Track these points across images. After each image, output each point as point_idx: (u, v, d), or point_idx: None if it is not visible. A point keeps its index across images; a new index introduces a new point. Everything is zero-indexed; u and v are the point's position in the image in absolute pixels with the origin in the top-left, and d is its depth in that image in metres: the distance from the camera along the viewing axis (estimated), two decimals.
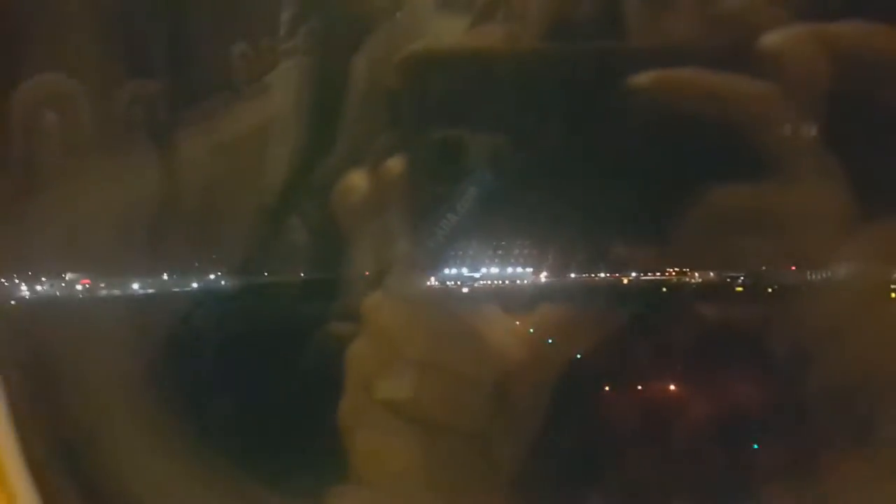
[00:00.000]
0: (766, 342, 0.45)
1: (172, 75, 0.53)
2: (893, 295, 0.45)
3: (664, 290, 0.47)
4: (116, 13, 0.52)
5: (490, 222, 0.47)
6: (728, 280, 0.47)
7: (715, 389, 0.47)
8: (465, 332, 0.46)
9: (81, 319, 0.50)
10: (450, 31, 0.49)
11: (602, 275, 0.47)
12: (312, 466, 0.47)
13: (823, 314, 0.44)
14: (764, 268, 0.46)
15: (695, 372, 0.48)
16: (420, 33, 0.48)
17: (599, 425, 0.47)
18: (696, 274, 0.47)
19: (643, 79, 0.42)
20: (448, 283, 0.47)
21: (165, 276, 0.52)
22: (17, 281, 0.49)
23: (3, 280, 0.49)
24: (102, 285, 0.51)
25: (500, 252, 0.47)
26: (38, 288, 0.49)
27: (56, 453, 0.44)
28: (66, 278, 0.50)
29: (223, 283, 0.52)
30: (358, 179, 0.47)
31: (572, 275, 0.47)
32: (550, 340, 0.46)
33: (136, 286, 0.51)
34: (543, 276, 0.47)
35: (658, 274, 0.47)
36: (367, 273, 0.49)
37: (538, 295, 0.47)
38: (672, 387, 0.48)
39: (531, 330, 0.46)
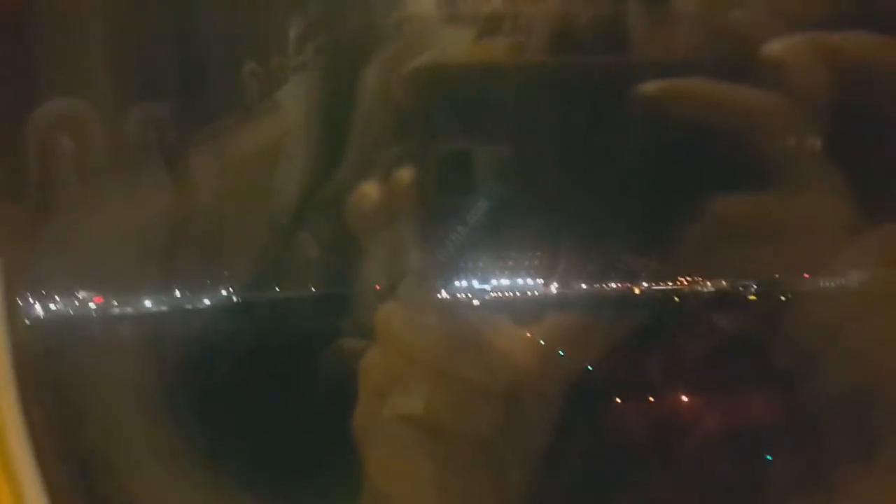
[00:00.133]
0: (779, 352, 0.45)
1: (184, 96, 0.54)
2: None
3: (676, 299, 0.47)
4: (128, 37, 0.52)
5: (500, 234, 0.47)
6: (741, 289, 0.47)
7: (727, 400, 0.47)
8: (476, 342, 0.46)
9: (94, 337, 0.50)
10: (456, 45, 0.49)
11: (613, 285, 0.46)
12: (325, 482, 0.46)
13: (833, 322, 0.43)
14: (777, 276, 0.46)
15: (707, 382, 0.47)
16: (427, 47, 0.48)
17: (610, 435, 0.47)
18: (709, 283, 0.47)
19: (649, 88, 0.42)
20: (459, 295, 0.47)
21: (178, 293, 0.51)
22: (31, 300, 0.49)
23: (17, 299, 0.49)
24: (115, 303, 0.51)
25: (510, 263, 0.47)
26: (52, 307, 0.49)
27: (71, 470, 0.44)
28: (80, 297, 0.50)
29: (235, 299, 0.52)
30: (369, 191, 0.47)
31: (583, 285, 0.46)
32: (562, 351, 0.46)
33: (148, 304, 0.51)
34: (554, 287, 0.47)
35: (670, 283, 0.47)
36: (377, 287, 0.49)
37: (549, 305, 0.46)
38: (684, 397, 0.48)
39: (542, 340, 0.46)
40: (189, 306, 0.51)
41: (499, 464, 0.45)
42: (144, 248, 0.51)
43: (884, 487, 0.42)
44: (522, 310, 0.46)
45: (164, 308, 0.51)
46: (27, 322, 0.48)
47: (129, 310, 0.51)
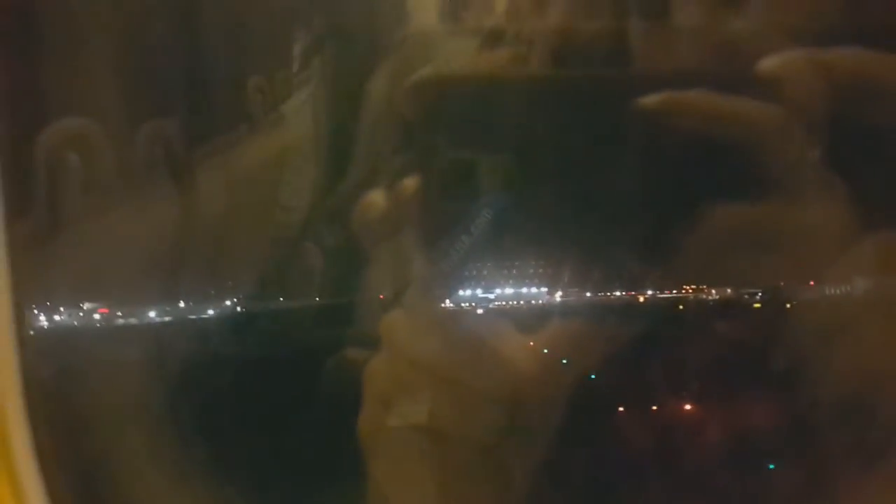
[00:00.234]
0: (782, 360, 0.44)
1: (190, 111, 0.54)
2: None
3: (680, 307, 0.46)
4: (134, 54, 0.53)
5: (504, 243, 0.46)
6: (746, 297, 0.46)
7: (732, 408, 0.46)
8: (480, 350, 0.45)
9: (99, 348, 0.50)
10: (459, 58, 0.49)
11: (618, 293, 0.46)
12: (330, 491, 0.46)
13: (836, 329, 0.43)
14: (781, 284, 0.45)
15: (711, 390, 0.47)
16: (430, 60, 0.49)
17: (613, 443, 0.46)
18: (713, 291, 0.47)
19: (650, 101, 0.42)
20: (463, 304, 0.47)
21: (182, 304, 0.51)
22: (35, 311, 0.49)
23: (24, 311, 0.49)
24: (120, 314, 0.51)
25: (514, 272, 0.47)
26: (56, 317, 0.49)
27: (74, 480, 0.43)
28: (84, 308, 0.50)
29: (239, 309, 0.51)
30: (374, 200, 0.47)
31: (587, 294, 0.46)
32: (566, 359, 0.45)
33: (152, 314, 0.51)
34: (559, 296, 0.47)
35: (674, 292, 0.46)
36: (382, 296, 0.49)
37: (553, 314, 0.46)
38: (688, 405, 0.47)
39: (546, 348, 0.45)
40: (193, 317, 0.51)
41: (502, 471, 0.45)
42: (149, 260, 0.51)
43: (886, 496, 0.42)
44: (526, 318, 0.46)
45: (168, 319, 0.51)
46: (32, 333, 0.48)
47: (133, 321, 0.50)
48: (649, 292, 0.46)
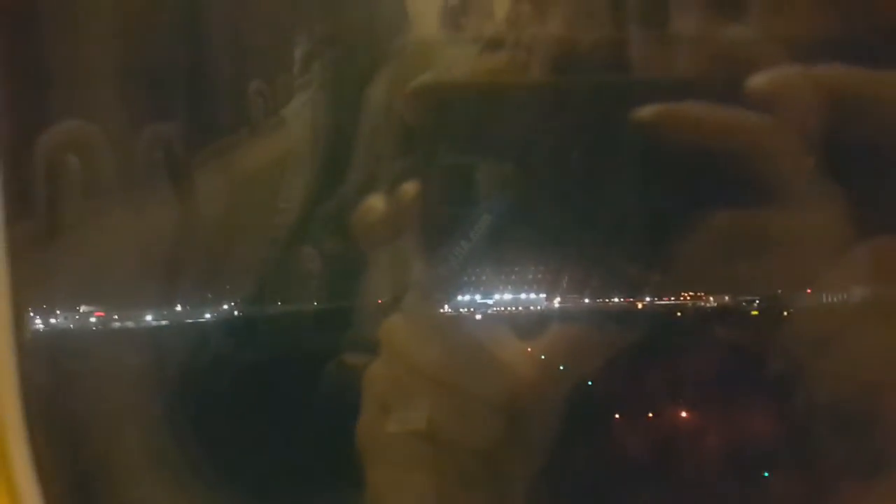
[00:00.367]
0: (781, 367, 0.44)
1: (190, 114, 0.54)
2: None
3: (678, 314, 0.46)
4: (135, 57, 0.53)
5: (503, 248, 0.46)
6: (743, 304, 0.46)
7: (730, 415, 0.46)
8: (479, 355, 0.45)
9: (96, 351, 0.49)
10: (459, 64, 0.49)
11: (616, 299, 0.46)
12: (327, 496, 0.45)
13: (835, 337, 0.43)
14: (779, 291, 0.45)
15: (709, 397, 0.46)
16: (430, 65, 0.49)
17: (611, 449, 0.46)
18: (711, 298, 0.46)
19: (645, 113, 0.42)
20: (462, 309, 0.46)
21: (179, 308, 0.51)
22: (31, 314, 0.48)
23: (21, 314, 0.48)
24: (116, 317, 0.50)
25: (513, 278, 0.47)
26: (53, 320, 0.48)
27: (72, 485, 0.43)
28: (80, 311, 0.50)
29: (237, 313, 0.51)
30: (373, 205, 0.47)
31: (586, 300, 0.46)
32: (563, 365, 0.45)
33: (149, 317, 0.50)
34: (557, 302, 0.46)
35: (672, 298, 0.46)
36: (380, 301, 0.48)
37: (551, 320, 0.46)
38: (686, 412, 0.47)
39: (544, 354, 0.45)
40: (191, 320, 0.50)
41: (501, 477, 0.45)
42: (147, 263, 0.50)
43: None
44: (525, 324, 0.46)
45: (165, 322, 0.50)
46: (29, 336, 0.47)
47: (130, 324, 0.50)
48: (647, 299, 0.46)
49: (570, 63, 0.46)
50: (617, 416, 0.47)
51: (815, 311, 0.44)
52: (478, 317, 0.46)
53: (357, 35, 0.53)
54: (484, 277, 0.47)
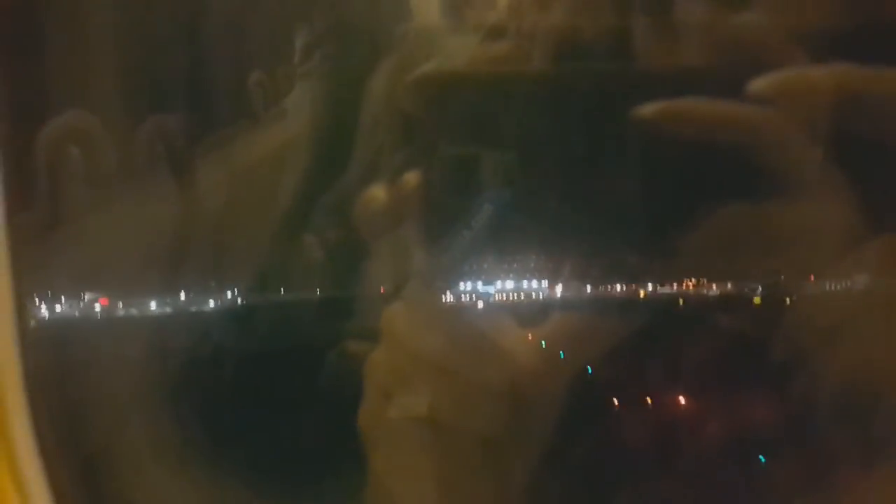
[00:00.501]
0: (782, 354, 0.44)
1: (192, 105, 0.53)
2: None
3: (681, 301, 0.46)
4: (136, 48, 0.52)
5: (505, 237, 0.46)
6: (746, 291, 0.46)
7: (731, 402, 0.46)
8: (480, 343, 0.45)
9: (100, 339, 0.49)
10: (461, 53, 0.48)
11: (618, 287, 0.46)
12: (329, 482, 0.45)
13: (836, 325, 0.43)
14: (781, 278, 0.45)
15: (711, 384, 0.46)
16: (432, 55, 0.48)
17: (612, 435, 0.46)
18: (714, 286, 0.46)
19: (646, 110, 0.42)
20: (463, 297, 0.46)
21: (183, 296, 0.51)
22: (36, 301, 0.48)
23: (25, 302, 0.48)
24: (121, 305, 0.50)
25: (515, 266, 0.46)
26: (58, 308, 0.48)
27: (76, 472, 0.43)
28: (85, 298, 0.49)
29: (240, 301, 0.51)
30: (375, 194, 0.47)
31: (587, 288, 0.46)
32: (565, 352, 0.45)
33: (153, 305, 0.50)
34: (558, 290, 0.46)
35: (675, 286, 0.46)
36: (382, 290, 0.48)
37: (553, 308, 0.46)
38: (687, 399, 0.47)
39: (546, 341, 0.45)
40: (194, 309, 0.50)
41: (502, 463, 0.44)
42: (151, 252, 0.50)
43: (885, 491, 0.41)
44: (526, 312, 0.46)
45: (169, 310, 0.50)
46: (33, 323, 0.47)
47: (134, 312, 0.50)
48: (649, 287, 0.46)
49: (572, 52, 0.46)
50: (618, 402, 0.46)
51: (817, 299, 0.44)
52: (479, 305, 0.46)
53: (358, 25, 0.53)
54: (485, 266, 0.46)
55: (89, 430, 0.45)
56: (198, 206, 0.52)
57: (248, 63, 0.53)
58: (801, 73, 0.41)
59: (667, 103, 0.42)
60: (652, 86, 0.43)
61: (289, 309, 0.51)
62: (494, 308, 0.46)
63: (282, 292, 0.52)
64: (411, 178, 0.46)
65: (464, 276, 0.46)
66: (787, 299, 0.45)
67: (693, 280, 0.46)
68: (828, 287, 0.44)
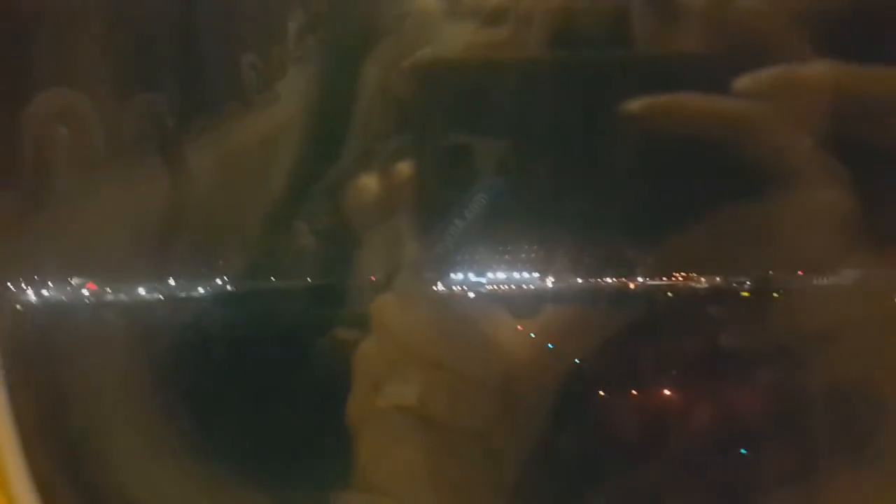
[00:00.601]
0: (769, 347, 0.44)
1: (182, 86, 0.52)
2: None
3: (670, 294, 0.46)
4: (126, 26, 0.51)
5: (497, 227, 0.45)
6: (734, 285, 0.46)
7: (719, 395, 0.46)
8: (471, 334, 0.44)
9: (87, 324, 0.48)
10: (457, 39, 0.47)
11: (608, 279, 0.45)
12: (316, 473, 0.45)
13: (827, 319, 0.43)
14: (770, 273, 0.45)
15: (699, 377, 0.46)
16: (428, 41, 0.47)
17: (603, 429, 0.46)
18: (703, 279, 0.46)
19: (633, 105, 0.41)
20: (455, 287, 0.46)
21: (172, 282, 0.50)
22: (23, 285, 0.47)
23: (9, 284, 0.47)
24: (108, 290, 0.49)
25: (507, 257, 0.46)
26: (45, 293, 0.47)
27: (59, 459, 0.42)
28: (73, 283, 0.48)
29: (230, 288, 0.50)
30: (367, 183, 0.46)
31: (579, 279, 0.45)
32: (555, 344, 0.45)
33: (142, 291, 0.49)
34: (550, 281, 0.46)
35: (664, 278, 0.46)
36: (373, 278, 0.47)
37: (545, 299, 0.45)
38: (676, 392, 0.47)
39: (537, 333, 0.45)
40: (183, 295, 0.49)
41: (492, 455, 0.44)
42: (139, 236, 0.49)
43: (871, 485, 0.41)
44: (518, 303, 0.45)
45: (158, 296, 0.49)
46: (19, 307, 0.46)
47: (122, 297, 0.49)
48: (640, 279, 0.46)
49: (570, 38, 0.45)
50: (610, 394, 0.46)
51: (805, 294, 0.44)
52: (471, 295, 0.46)
53: (353, 8, 0.52)
54: (477, 256, 0.46)
55: (74, 417, 0.45)
56: (187, 189, 0.51)
57: (242, 44, 0.52)
58: (788, 72, 0.41)
59: (654, 99, 0.41)
60: (650, 73, 0.43)
61: (279, 296, 0.51)
62: (486, 298, 0.45)
63: (272, 279, 0.51)
64: (404, 167, 0.45)
65: (456, 266, 0.46)
66: (776, 293, 0.45)
67: (683, 273, 0.46)
68: (815, 282, 0.44)
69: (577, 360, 0.45)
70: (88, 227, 0.49)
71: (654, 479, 0.45)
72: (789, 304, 0.44)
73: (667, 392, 0.47)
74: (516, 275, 0.46)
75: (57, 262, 0.48)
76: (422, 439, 0.44)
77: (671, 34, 0.44)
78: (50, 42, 0.49)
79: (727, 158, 0.42)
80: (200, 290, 0.50)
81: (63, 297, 0.48)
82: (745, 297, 0.46)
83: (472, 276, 0.46)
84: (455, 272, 0.46)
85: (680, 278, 0.46)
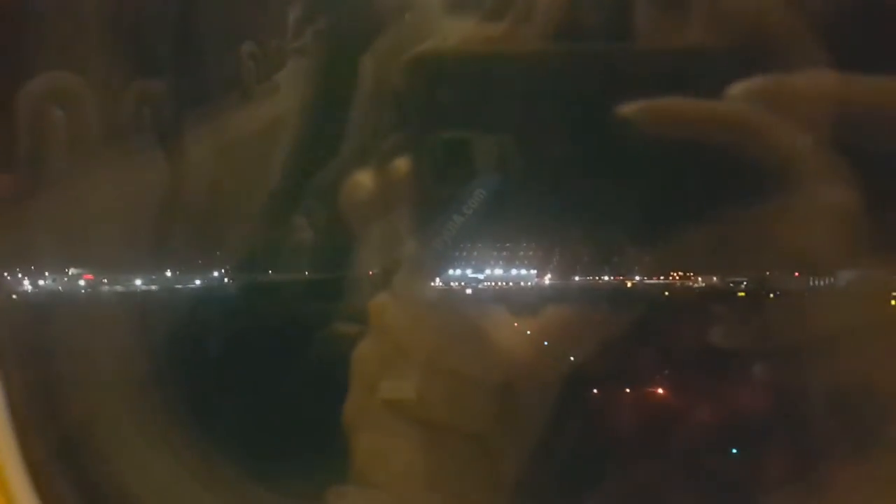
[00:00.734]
0: (766, 347, 0.44)
1: (181, 74, 0.51)
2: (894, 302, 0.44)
3: (666, 293, 0.45)
4: (126, 11, 0.50)
5: (496, 224, 0.45)
6: (731, 285, 0.45)
7: (717, 394, 0.46)
8: (469, 334, 0.44)
9: (84, 315, 0.48)
10: (458, 33, 0.46)
11: (606, 278, 0.45)
12: (314, 467, 0.44)
13: (825, 319, 0.42)
14: (767, 273, 0.44)
15: (697, 376, 0.46)
16: (428, 34, 0.46)
17: (601, 428, 0.45)
18: (700, 278, 0.45)
19: (628, 111, 0.40)
20: (453, 284, 0.45)
21: (169, 273, 0.49)
22: (19, 275, 0.46)
23: (5, 274, 0.46)
24: (105, 281, 0.48)
25: (504, 254, 0.45)
26: (41, 282, 0.47)
27: (55, 453, 0.41)
28: (70, 273, 0.48)
29: (227, 280, 0.49)
30: (365, 178, 0.45)
31: (576, 277, 0.45)
32: (553, 343, 0.44)
33: (138, 282, 0.49)
34: (548, 279, 0.45)
35: (661, 277, 0.45)
36: (371, 273, 0.47)
37: (542, 297, 0.45)
38: (674, 391, 0.46)
39: (535, 332, 0.44)
40: (180, 286, 0.49)
41: (491, 456, 0.44)
42: (137, 227, 0.49)
43: (871, 484, 0.41)
44: (516, 300, 0.45)
45: (155, 287, 0.49)
46: (14, 297, 0.45)
47: (119, 288, 0.48)
48: (637, 278, 0.45)
49: (571, 32, 0.44)
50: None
51: (802, 294, 0.43)
52: (468, 291, 0.45)
53: (352, 0, 0.50)
54: (476, 252, 0.45)
55: (70, 410, 0.44)
56: (185, 178, 0.50)
57: (241, 33, 0.51)
58: (780, 81, 0.40)
59: (648, 103, 0.40)
60: (652, 67, 0.42)
61: (276, 288, 0.50)
62: (484, 295, 0.45)
63: (270, 272, 0.50)
64: (400, 164, 0.44)
65: (453, 263, 0.45)
66: (771, 294, 0.44)
67: (680, 273, 0.45)
68: (812, 282, 0.44)
69: (577, 360, 0.44)
70: (86, 217, 0.48)
71: (654, 479, 0.45)
72: (787, 304, 0.44)
73: (665, 391, 0.46)
74: (514, 272, 0.45)
75: (54, 252, 0.48)
76: (420, 440, 0.43)
77: (674, 27, 0.43)
78: (48, 25, 0.48)
79: (727, 158, 0.41)
80: (197, 281, 0.49)
81: (59, 287, 0.47)
82: (741, 296, 0.45)
83: (469, 273, 0.45)
84: (453, 268, 0.45)
85: (676, 277, 0.45)
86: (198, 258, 0.50)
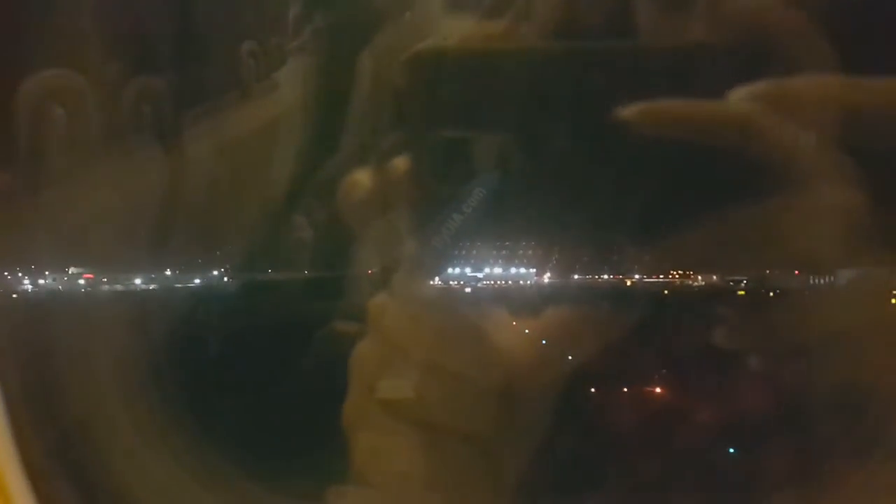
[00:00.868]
0: (767, 346, 0.43)
1: (181, 72, 0.51)
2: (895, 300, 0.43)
3: (666, 292, 0.45)
4: (125, 10, 0.49)
5: (495, 223, 0.44)
6: (731, 283, 0.45)
7: (717, 393, 0.45)
8: (469, 335, 0.43)
9: (83, 313, 0.47)
10: (458, 31, 0.46)
11: (605, 276, 0.44)
12: (313, 466, 0.44)
13: (826, 319, 0.42)
14: (767, 271, 0.44)
15: (697, 375, 0.45)
16: (428, 32, 0.45)
17: (602, 428, 0.45)
18: (699, 277, 0.45)
19: (626, 113, 0.40)
20: (452, 282, 0.44)
21: (168, 272, 0.49)
22: (19, 274, 0.46)
23: (5, 273, 0.46)
24: (105, 280, 0.48)
25: (504, 252, 0.45)
26: (41, 282, 0.46)
27: (54, 452, 0.41)
28: (69, 272, 0.47)
29: (226, 279, 0.49)
30: (363, 177, 0.44)
31: (576, 276, 0.44)
32: (553, 342, 0.43)
33: (138, 281, 0.48)
34: (547, 278, 0.45)
35: (661, 276, 0.45)
36: (370, 271, 0.46)
37: (542, 296, 0.44)
38: (674, 390, 0.46)
39: (534, 331, 0.43)
40: (179, 285, 0.48)
41: (490, 456, 0.43)
42: (137, 226, 0.48)
43: (875, 483, 0.41)
44: (515, 300, 0.44)
45: (154, 286, 0.48)
46: (14, 296, 0.45)
47: (119, 287, 0.48)
48: (636, 276, 0.44)
49: (571, 31, 0.43)
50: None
51: (802, 293, 0.43)
52: (467, 290, 0.45)
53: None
54: (475, 251, 0.45)
55: (69, 408, 0.43)
56: (185, 177, 0.50)
57: (241, 32, 0.50)
58: (781, 84, 0.39)
59: (647, 105, 0.40)
60: (653, 65, 0.41)
61: (277, 288, 0.49)
62: (483, 294, 0.44)
63: (269, 271, 0.50)
64: (400, 163, 0.43)
65: (453, 262, 0.44)
66: (772, 293, 0.44)
67: (679, 271, 0.45)
68: (812, 281, 0.43)
69: (578, 361, 0.44)
70: (85, 216, 0.47)
71: (655, 480, 0.44)
72: (787, 303, 0.43)
73: (665, 391, 0.46)
74: (513, 271, 0.45)
75: (54, 251, 0.47)
76: (419, 441, 0.42)
77: (674, 26, 0.42)
78: (48, 23, 0.47)
79: (726, 156, 0.41)
80: (197, 280, 0.49)
81: (59, 286, 0.47)
82: (741, 295, 0.45)
83: (468, 272, 0.45)
84: (452, 267, 0.44)
85: (676, 276, 0.45)
86: (197, 257, 0.49)
